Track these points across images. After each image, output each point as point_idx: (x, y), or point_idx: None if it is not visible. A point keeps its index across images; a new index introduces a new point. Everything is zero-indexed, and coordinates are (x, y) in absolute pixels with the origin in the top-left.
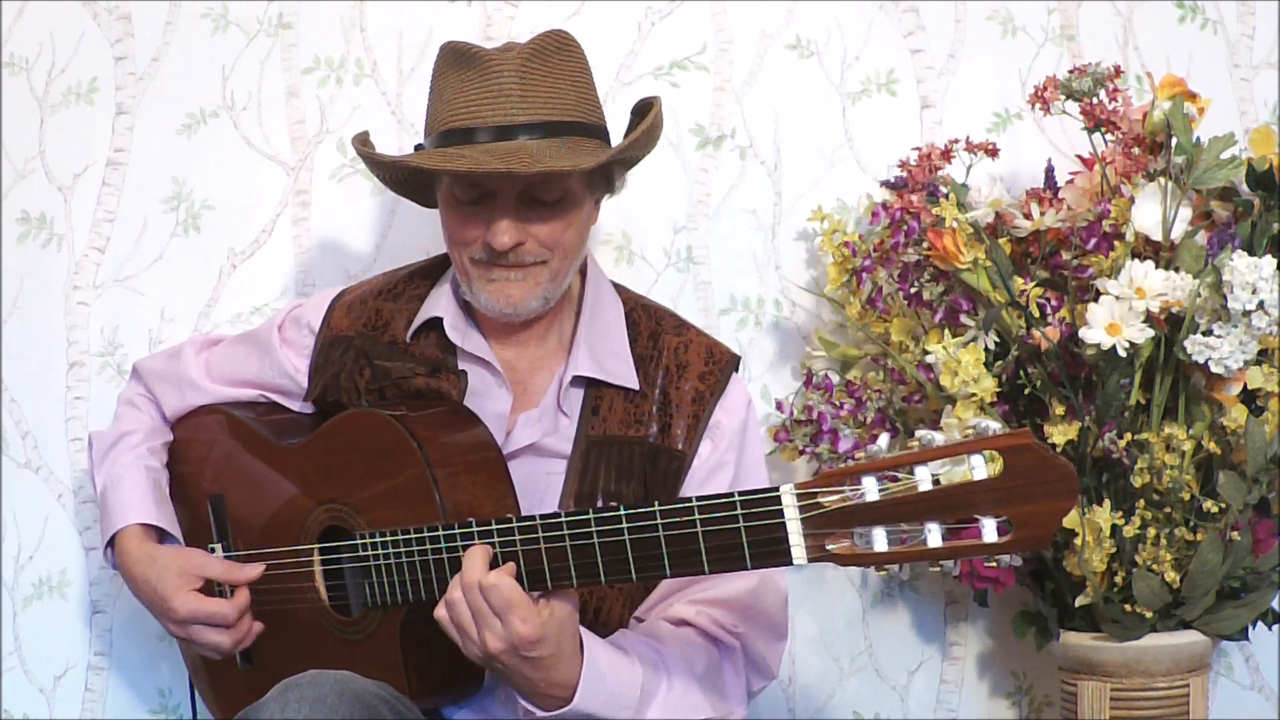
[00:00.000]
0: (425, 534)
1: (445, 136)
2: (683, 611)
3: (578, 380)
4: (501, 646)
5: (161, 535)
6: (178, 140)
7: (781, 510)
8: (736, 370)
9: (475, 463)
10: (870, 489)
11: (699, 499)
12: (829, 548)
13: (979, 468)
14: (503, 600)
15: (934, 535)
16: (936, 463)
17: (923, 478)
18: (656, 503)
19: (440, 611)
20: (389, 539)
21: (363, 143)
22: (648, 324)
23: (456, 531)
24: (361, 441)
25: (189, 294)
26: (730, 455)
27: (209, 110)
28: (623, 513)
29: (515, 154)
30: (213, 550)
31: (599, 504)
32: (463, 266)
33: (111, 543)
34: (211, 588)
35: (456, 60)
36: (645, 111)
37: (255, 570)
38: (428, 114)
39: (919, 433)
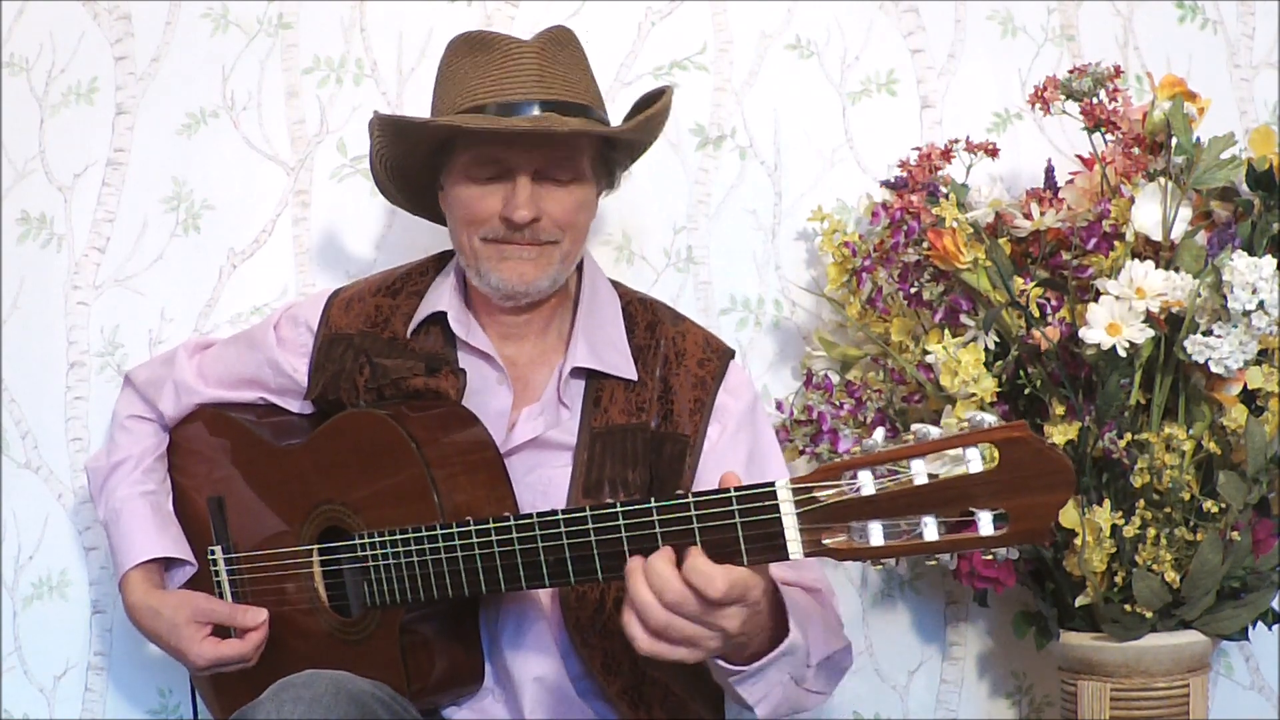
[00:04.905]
0: (424, 534)
1: (466, 113)
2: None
3: (577, 372)
4: (739, 621)
5: (167, 561)
6: (178, 140)
7: (777, 505)
8: (733, 359)
9: (474, 463)
10: (866, 483)
11: (695, 494)
12: (825, 542)
13: (974, 461)
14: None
15: (930, 529)
16: (932, 456)
17: (918, 471)
18: (653, 499)
19: (651, 646)
20: (387, 539)
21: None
22: (644, 316)
23: (454, 531)
24: (359, 442)
25: (189, 294)
26: (743, 437)
27: (209, 110)
28: (620, 509)
29: (544, 120)
30: (212, 554)
31: (606, 493)
32: (473, 249)
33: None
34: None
35: (472, 47)
36: (655, 99)
37: (259, 615)
38: (437, 100)
39: (915, 426)
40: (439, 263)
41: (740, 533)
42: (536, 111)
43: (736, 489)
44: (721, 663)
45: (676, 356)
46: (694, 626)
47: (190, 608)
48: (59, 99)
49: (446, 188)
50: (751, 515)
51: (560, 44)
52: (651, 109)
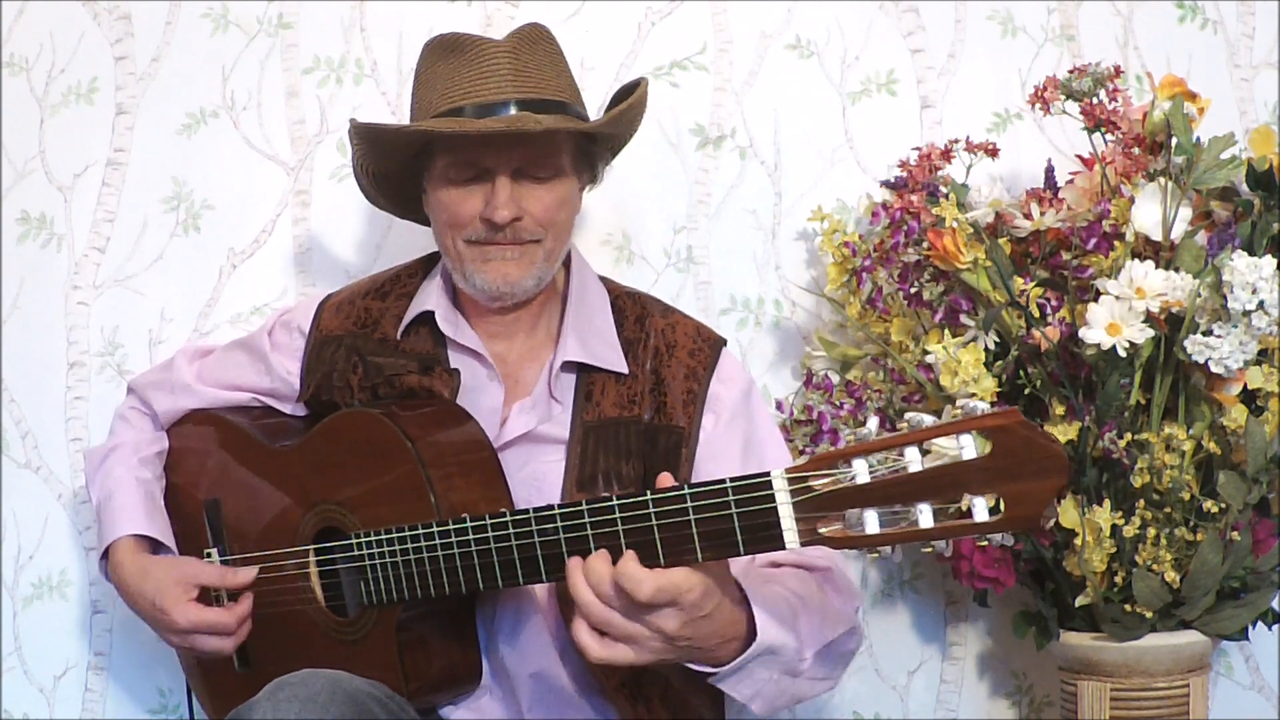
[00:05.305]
0: (420, 532)
1: (442, 116)
2: (772, 555)
3: (568, 366)
4: (677, 624)
5: (155, 545)
6: (178, 140)
7: (773, 495)
8: (725, 347)
9: (469, 463)
10: (861, 471)
11: (691, 486)
12: (821, 531)
13: (968, 448)
14: (664, 595)
15: (925, 516)
16: (926, 444)
17: (912, 459)
18: (649, 491)
19: (600, 650)
20: (383, 538)
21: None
22: (633, 309)
23: (450, 528)
24: (355, 442)
25: (189, 294)
26: (738, 425)
27: (209, 110)
28: (616, 503)
29: (517, 120)
30: (208, 555)
31: (600, 486)
32: (457, 252)
33: (106, 556)
34: (208, 595)
35: (445, 50)
36: (631, 91)
37: (249, 575)
38: (415, 105)
39: (908, 415)
40: (427, 264)
41: (736, 523)
42: (513, 111)
43: (732, 479)
44: (694, 666)
45: (667, 348)
46: (633, 625)
47: (179, 569)
48: (59, 99)
49: (428, 191)
50: (747, 505)
51: (534, 41)
52: (628, 101)
